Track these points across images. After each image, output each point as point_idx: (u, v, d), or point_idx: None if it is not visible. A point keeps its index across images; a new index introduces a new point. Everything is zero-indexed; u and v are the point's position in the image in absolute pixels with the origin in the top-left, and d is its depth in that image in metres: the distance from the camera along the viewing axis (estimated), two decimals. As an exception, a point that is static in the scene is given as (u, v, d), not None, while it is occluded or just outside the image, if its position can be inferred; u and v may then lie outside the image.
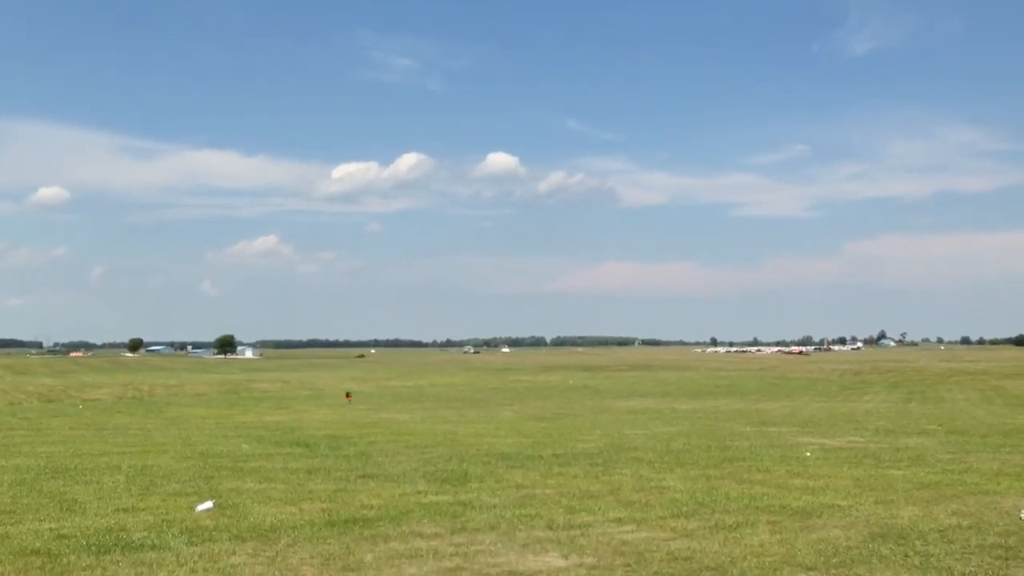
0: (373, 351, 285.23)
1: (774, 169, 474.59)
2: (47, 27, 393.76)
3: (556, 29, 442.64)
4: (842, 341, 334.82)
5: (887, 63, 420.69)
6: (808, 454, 19.27)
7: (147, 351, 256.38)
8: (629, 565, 8.96)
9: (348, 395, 32.38)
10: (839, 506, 12.41)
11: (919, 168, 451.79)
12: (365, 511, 11.95)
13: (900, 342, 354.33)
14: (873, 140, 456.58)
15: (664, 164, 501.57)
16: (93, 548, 9.70)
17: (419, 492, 13.68)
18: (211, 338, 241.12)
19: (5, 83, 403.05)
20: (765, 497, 13.17)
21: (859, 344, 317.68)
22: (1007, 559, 9.21)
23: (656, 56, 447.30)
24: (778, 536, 10.34)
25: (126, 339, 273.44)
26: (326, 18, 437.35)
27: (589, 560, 9.19)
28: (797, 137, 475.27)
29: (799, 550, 9.63)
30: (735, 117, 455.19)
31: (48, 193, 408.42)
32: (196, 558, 9.23)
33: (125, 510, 12.13)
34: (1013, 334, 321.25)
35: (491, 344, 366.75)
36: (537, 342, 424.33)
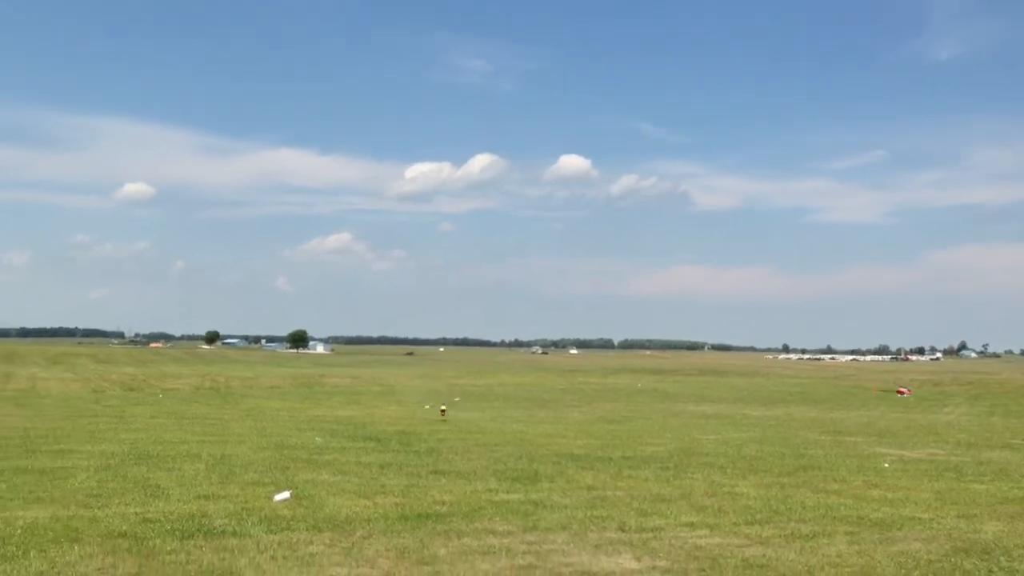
0: (442, 349, 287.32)
1: (850, 174, 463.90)
2: (131, 28, 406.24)
3: (629, 32, 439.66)
4: (920, 351, 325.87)
5: (970, 69, 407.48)
6: (886, 465, 18.85)
7: (223, 343, 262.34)
8: (703, 570, 8.89)
9: (443, 411, 32.61)
10: (920, 519, 12.12)
11: (1002, 176, 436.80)
12: (437, 507, 12.07)
13: (982, 353, 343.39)
14: (954, 147, 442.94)
15: (737, 168, 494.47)
16: (177, 533, 10.00)
17: (490, 490, 13.76)
18: (284, 333, 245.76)
19: (94, 82, 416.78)
20: (842, 507, 12.93)
21: (938, 355, 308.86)
22: (1099, 580, 8.90)
23: (731, 60, 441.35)
24: (856, 547, 10.15)
25: (203, 331, 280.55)
26: (402, 20, 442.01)
27: (662, 563, 9.14)
28: (875, 143, 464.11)
29: (879, 562, 9.44)
30: (810, 121, 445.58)
31: (133, 189, 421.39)
32: (275, 546, 9.44)
33: (206, 497, 12.46)
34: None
35: (559, 345, 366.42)
36: (605, 344, 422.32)
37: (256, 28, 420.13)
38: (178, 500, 12.18)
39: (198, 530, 10.17)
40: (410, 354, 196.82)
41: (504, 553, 9.41)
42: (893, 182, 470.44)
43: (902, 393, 69.13)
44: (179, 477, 14.36)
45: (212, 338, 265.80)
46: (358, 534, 10.15)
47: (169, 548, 9.30)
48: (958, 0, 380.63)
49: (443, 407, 33.29)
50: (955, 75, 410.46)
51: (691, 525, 11.25)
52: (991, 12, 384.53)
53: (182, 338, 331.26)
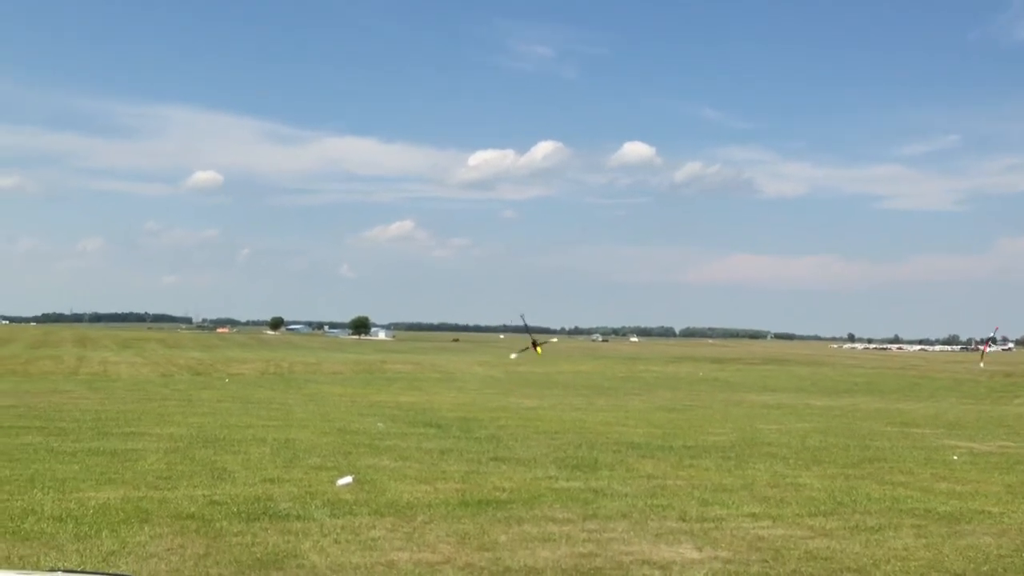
0: (502, 336, 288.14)
1: (921, 160, 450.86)
2: (199, 17, 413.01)
3: (693, 17, 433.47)
4: (992, 341, 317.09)
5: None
6: (955, 458, 18.40)
7: (287, 329, 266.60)
8: (766, 561, 8.80)
9: (536, 346, 31.66)
10: (989, 512, 11.83)
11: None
12: (498, 493, 12.13)
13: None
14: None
15: (804, 154, 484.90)
16: (243, 515, 10.22)
17: (550, 477, 13.79)
18: (347, 319, 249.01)
19: (164, 71, 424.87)
20: (909, 500, 12.68)
21: (1010, 345, 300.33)
22: None
23: (797, 43, 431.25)
24: (924, 540, 9.95)
25: (267, 317, 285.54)
26: (465, 6, 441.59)
27: (724, 554, 9.07)
28: (948, 127, 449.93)
29: (946, 556, 9.24)
30: (879, 106, 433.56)
31: (203, 177, 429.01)
32: (339, 530, 9.59)
33: (271, 480, 12.71)
34: None
35: (619, 333, 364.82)
36: (666, 332, 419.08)
37: (319, 16, 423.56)
38: (244, 483, 12.44)
39: (263, 513, 10.38)
40: (456, 340, 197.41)
41: (564, 540, 9.43)
42: (966, 168, 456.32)
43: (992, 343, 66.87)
44: (245, 460, 14.66)
45: (276, 324, 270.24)
46: (419, 519, 10.26)
47: (235, 530, 9.51)
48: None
49: (535, 347, 32.09)
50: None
51: (753, 516, 11.13)
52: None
53: (247, 323, 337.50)
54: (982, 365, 67.86)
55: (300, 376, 55.20)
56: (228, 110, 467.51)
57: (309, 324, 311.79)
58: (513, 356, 32.13)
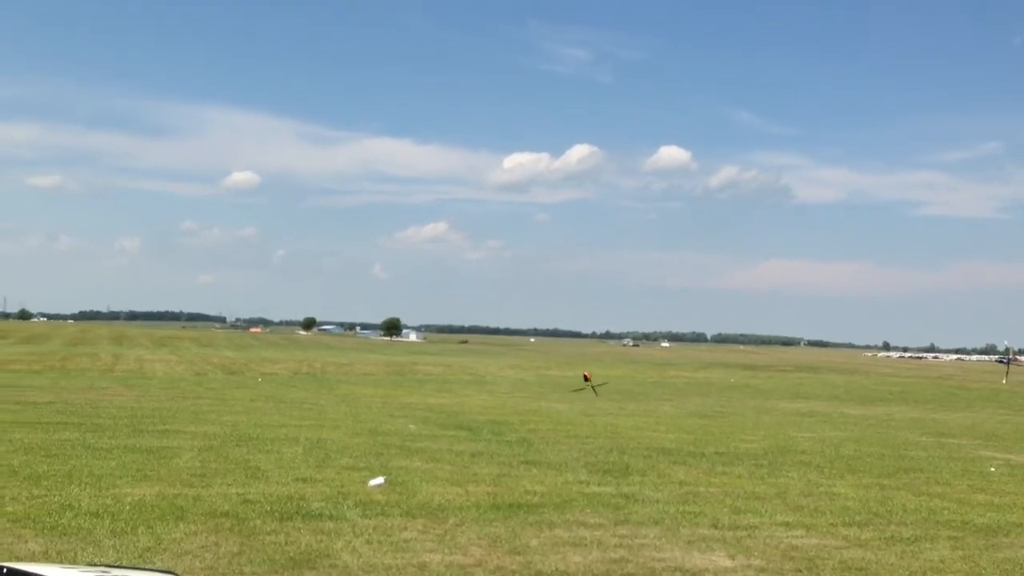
0: (532, 340, 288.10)
1: (961, 167, 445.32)
2: (236, 18, 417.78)
3: (729, 21, 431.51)
4: (1007, 359, 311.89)
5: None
6: (992, 469, 18.13)
7: (319, 330, 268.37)
8: (799, 571, 8.73)
9: (587, 378, 31.84)
10: (1029, 526, 11.63)
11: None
12: (529, 497, 12.13)
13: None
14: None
15: (841, 160, 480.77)
16: (276, 514, 10.29)
17: (581, 482, 13.76)
18: (379, 320, 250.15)
19: (202, 72, 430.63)
20: (945, 511, 12.51)
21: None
22: None
23: (834, 48, 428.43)
24: (960, 552, 9.82)
25: (301, 317, 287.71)
26: (500, 9, 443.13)
27: (757, 562, 9.00)
28: (989, 134, 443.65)
29: (984, 569, 9.11)
30: (920, 111, 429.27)
31: (241, 177, 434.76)
32: (371, 530, 9.64)
33: (304, 480, 12.79)
34: None
35: (650, 338, 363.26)
36: (698, 338, 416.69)
37: (354, 18, 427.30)
38: (277, 482, 12.54)
39: (296, 512, 10.45)
40: (464, 342, 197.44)
41: (595, 545, 9.40)
42: (1008, 175, 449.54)
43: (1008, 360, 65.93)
44: (278, 460, 14.77)
45: (309, 324, 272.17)
46: (451, 521, 10.28)
47: (269, 529, 9.58)
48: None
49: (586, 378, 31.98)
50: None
51: (787, 524, 11.04)
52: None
53: (280, 323, 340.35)
54: (1004, 382, 66.73)
55: (332, 377, 55.51)
56: (266, 111, 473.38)
57: (341, 325, 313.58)
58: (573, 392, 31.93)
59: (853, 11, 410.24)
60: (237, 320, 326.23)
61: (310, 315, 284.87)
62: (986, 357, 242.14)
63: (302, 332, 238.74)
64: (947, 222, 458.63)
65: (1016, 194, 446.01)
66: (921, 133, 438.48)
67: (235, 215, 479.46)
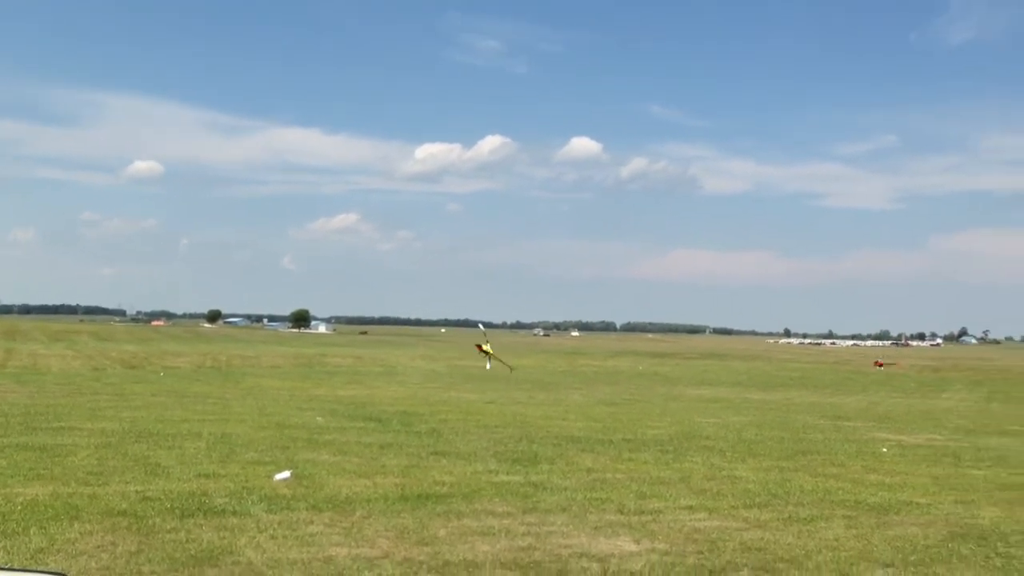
0: (443, 330, 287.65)
1: (861, 159, 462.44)
2: (141, 4, 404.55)
3: (641, 14, 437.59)
4: (921, 337, 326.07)
5: (986, 54, 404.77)
6: (885, 450, 18.88)
7: (224, 322, 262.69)
8: (701, 552, 8.92)
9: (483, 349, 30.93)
10: (917, 504, 12.16)
11: (1012, 162, 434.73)
12: (437, 487, 12.11)
13: (982, 340, 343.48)
14: (967, 132, 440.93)
15: (747, 152, 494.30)
16: (177, 511, 10.04)
17: (490, 471, 13.80)
18: (287, 312, 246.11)
19: (103, 59, 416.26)
20: (840, 491, 12.97)
21: (939, 340, 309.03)
22: (1096, 566, 8.92)
23: (742, 42, 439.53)
24: (854, 531, 10.19)
25: (206, 310, 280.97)
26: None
27: (661, 546, 9.17)
28: (886, 127, 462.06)
29: (876, 546, 9.48)
30: (822, 105, 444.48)
31: (143, 166, 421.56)
32: (276, 525, 9.48)
33: (207, 476, 12.50)
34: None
35: (561, 327, 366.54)
36: (607, 327, 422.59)
37: (264, 6, 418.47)
38: (178, 478, 12.22)
39: (198, 509, 10.21)
40: (363, 333, 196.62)
41: (503, 534, 9.44)
42: (903, 167, 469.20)
43: (880, 366, 68.93)
44: (179, 455, 14.40)
45: (214, 316, 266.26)
46: (358, 514, 10.19)
47: (169, 526, 9.34)
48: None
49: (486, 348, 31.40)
50: (968, 60, 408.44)
51: (690, 508, 11.29)
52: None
53: (183, 316, 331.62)
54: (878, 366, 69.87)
55: (238, 370, 54.40)
56: (170, 98, 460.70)
57: (248, 317, 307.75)
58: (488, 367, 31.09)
59: (759, 8, 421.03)
60: (138, 313, 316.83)
61: (216, 307, 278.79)
62: (880, 342, 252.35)
63: (207, 325, 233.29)
64: (846, 213, 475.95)
65: (909, 185, 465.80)
66: (823, 126, 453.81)
67: (137, 205, 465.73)
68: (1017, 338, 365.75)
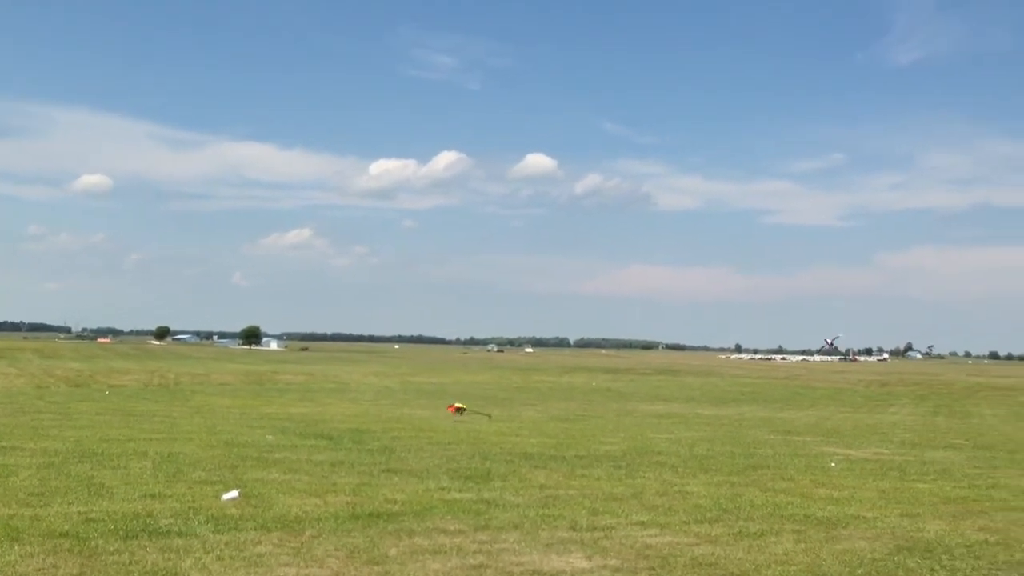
0: (396, 347, 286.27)
1: (810, 177, 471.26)
2: (90, 16, 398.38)
3: (596, 31, 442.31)
4: (868, 352, 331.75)
5: (931, 73, 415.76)
6: (833, 464, 19.13)
7: (173, 339, 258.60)
8: (653, 569, 8.95)
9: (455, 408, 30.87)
10: (864, 517, 12.32)
11: (958, 180, 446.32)
12: (389, 505, 12.00)
13: (927, 355, 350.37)
14: (912, 151, 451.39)
15: (699, 168, 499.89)
16: (121, 532, 9.81)
17: (443, 488, 13.72)
18: (238, 329, 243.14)
19: (52, 71, 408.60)
20: (790, 506, 13.10)
21: (885, 355, 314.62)
22: (1036, 577, 9.11)
23: (695, 60, 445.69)
24: (803, 545, 10.29)
25: (155, 326, 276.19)
26: (368, 14, 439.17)
27: (613, 562, 9.18)
28: (835, 145, 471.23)
29: (824, 560, 9.58)
30: (773, 123, 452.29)
31: (91, 180, 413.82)
32: (223, 546, 9.31)
33: (152, 496, 12.25)
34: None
35: (515, 343, 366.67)
36: (561, 343, 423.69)
37: (217, 20, 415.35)
38: (123, 499, 11.96)
39: (143, 530, 9.99)
40: (304, 349, 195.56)
41: (455, 552, 9.38)
42: (850, 185, 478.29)
43: (829, 344, 68.93)
44: (124, 476, 14.09)
45: (162, 333, 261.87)
46: (307, 533, 10.05)
47: (112, 548, 9.13)
48: (920, 5, 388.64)
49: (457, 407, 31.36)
50: (915, 79, 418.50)
51: (642, 524, 11.31)
52: (951, 17, 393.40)
53: (131, 333, 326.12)
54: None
55: (186, 387, 53.57)
56: (120, 112, 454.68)
57: (197, 334, 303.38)
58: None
59: (711, 29, 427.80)
60: (84, 330, 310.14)
61: (164, 324, 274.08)
62: (828, 357, 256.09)
63: (155, 342, 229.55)
64: (796, 230, 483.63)
65: (857, 203, 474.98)
66: (772, 144, 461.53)
67: (85, 220, 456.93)
68: (961, 353, 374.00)
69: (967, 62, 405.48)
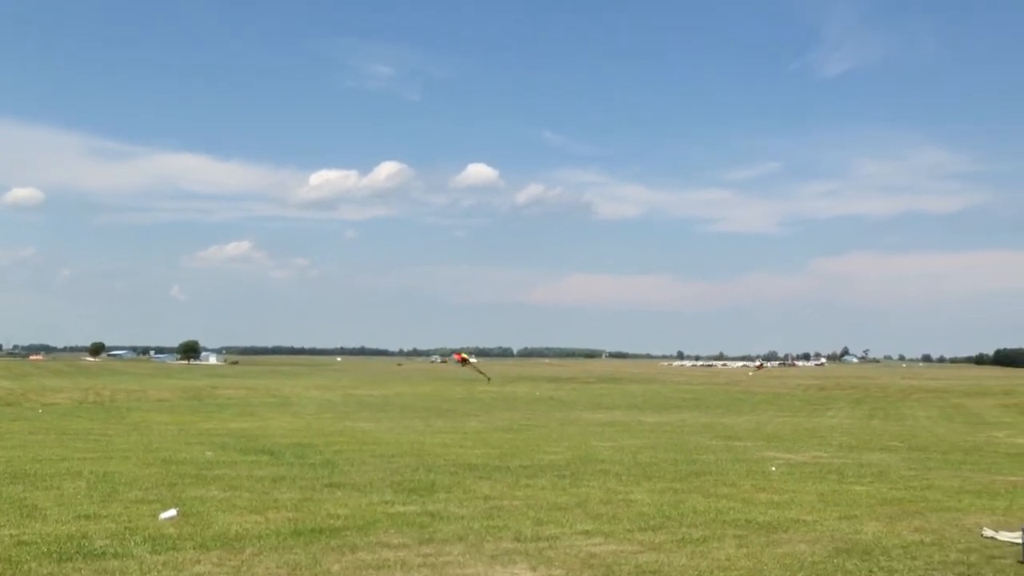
0: (339, 359, 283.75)
1: (746, 185, 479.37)
2: (19, 26, 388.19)
3: (536, 41, 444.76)
4: (806, 357, 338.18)
5: (860, 84, 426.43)
6: (773, 469, 19.41)
7: (108, 355, 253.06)
8: (597, 578, 8.96)
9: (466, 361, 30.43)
10: (804, 521, 12.51)
11: (887, 188, 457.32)
12: (332, 520, 11.86)
13: (863, 359, 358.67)
14: (843, 159, 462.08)
15: (639, 178, 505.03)
16: (54, 555, 9.54)
17: (386, 502, 13.60)
18: (176, 344, 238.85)
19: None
20: (731, 511, 13.25)
21: (823, 360, 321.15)
22: None
23: (634, 70, 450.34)
24: (744, 550, 10.40)
25: (89, 343, 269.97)
26: (304, 23, 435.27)
27: (557, 572, 9.18)
28: (769, 154, 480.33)
29: (765, 564, 9.69)
30: (710, 132, 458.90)
31: (21, 194, 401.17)
32: (160, 566, 9.11)
33: (87, 517, 11.94)
34: (973, 353, 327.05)
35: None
36: (504, 353, 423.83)
37: (150, 29, 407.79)
38: (56, 521, 11.64)
39: (77, 552, 9.72)
40: (235, 363, 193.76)
41: (399, 567, 9.30)
42: (786, 193, 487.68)
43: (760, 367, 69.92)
44: (58, 496, 13.72)
45: (97, 349, 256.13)
46: (248, 551, 9.88)
47: (46, 571, 8.87)
48: (850, 16, 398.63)
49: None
50: (843, 90, 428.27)
51: (586, 533, 11.34)
52: (878, 29, 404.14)
53: (64, 350, 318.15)
54: (750, 373, 71.51)
55: (122, 404, 52.37)
56: (51, 124, 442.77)
57: (134, 349, 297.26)
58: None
59: (649, 40, 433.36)
60: (15, 347, 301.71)
61: (99, 340, 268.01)
62: (768, 363, 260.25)
63: (89, 358, 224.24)
64: (734, 237, 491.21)
65: (792, 210, 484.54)
66: (710, 153, 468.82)
67: (15, 234, 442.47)
68: (895, 357, 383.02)
69: (895, 73, 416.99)
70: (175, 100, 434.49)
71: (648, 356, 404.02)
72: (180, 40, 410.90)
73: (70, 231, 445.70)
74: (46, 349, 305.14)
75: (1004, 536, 11.26)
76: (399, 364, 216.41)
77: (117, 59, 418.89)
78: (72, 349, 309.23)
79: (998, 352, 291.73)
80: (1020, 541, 10.20)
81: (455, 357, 32.59)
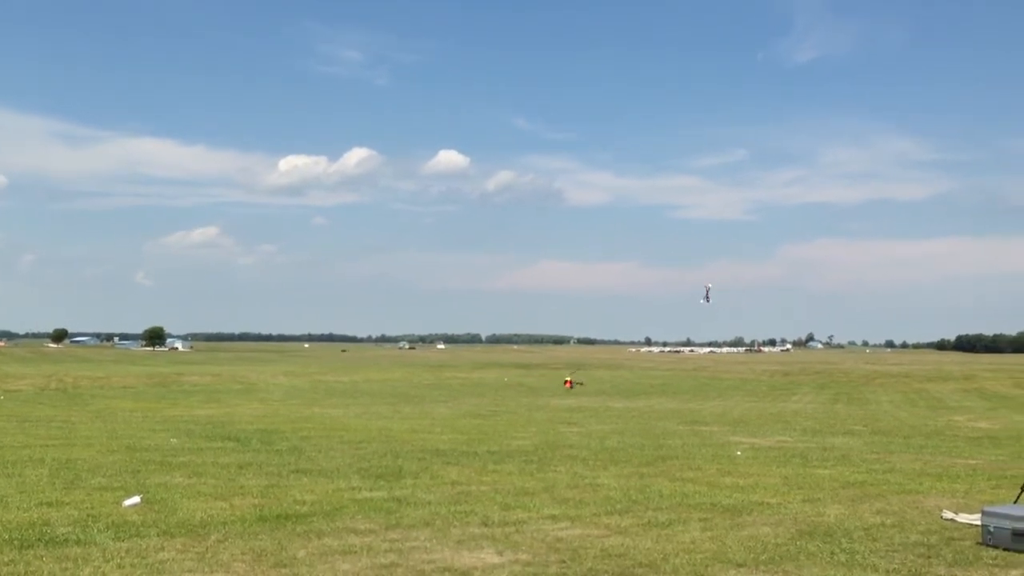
0: (307, 345, 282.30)
1: (714, 172, 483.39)
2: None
3: (506, 27, 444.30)
4: (772, 343, 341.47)
5: (828, 72, 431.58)
6: (739, 453, 19.60)
7: (71, 342, 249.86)
8: (564, 561, 9.01)
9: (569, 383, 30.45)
10: (768, 504, 12.65)
11: (854, 175, 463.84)
12: (298, 507, 11.81)
13: (827, 344, 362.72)
14: (811, 146, 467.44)
15: (608, 164, 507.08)
16: (16, 543, 9.42)
17: (353, 488, 13.57)
18: (142, 329, 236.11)
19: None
20: (697, 495, 13.37)
21: (788, 346, 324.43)
22: (929, 557, 9.49)
23: (604, 57, 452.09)
24: (709, 533, 10.50)
25: (51, 329, 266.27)
26: (273, 8, 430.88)
27: (524, 557, 9.21)
28: (737, 141, 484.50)
29: (729, 547, 9.79)
30: (679, 119, 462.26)
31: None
32: (123, 554, 9.02)
33: (49, 504, 11.79)
34: (935, 339, 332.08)
35: (426, 340, 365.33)
36: (473, 339, 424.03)
37: (116, 13, 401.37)
38: (17, 508, 11.48)
39: (39, 539, 9.60)
40: (175, 349, 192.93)
41: (365, 552, 9.28)
42: (753, 180, 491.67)
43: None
44: (19, 483, 13.54)
45: (60, 336, 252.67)
46: (213, 538, 9.81)
47: (7, 559, 8.75)
48: (818, 4, 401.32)
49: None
50: (813, 77, 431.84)
51: (553, 517, 11.38)
52: (846, 18, 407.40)
53: (26, 336, 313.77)
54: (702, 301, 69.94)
55: (86, 391, 51.78)
56: (13, 107, 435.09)
57: (98, 336, 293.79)
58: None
59: (619, 27, 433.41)
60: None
61: (62, 326, 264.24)
62: (735, 349, 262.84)
63: (52, 345, 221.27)
64: (702, 224, 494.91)
65: (760, 197, 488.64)
66: (679, 140, 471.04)
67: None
68: (859, 342, 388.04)
69: (862, 61, 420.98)
70: (141, 85, 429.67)
71: (616, 342, 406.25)
72: (146, 25, 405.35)
73: (33, 216, 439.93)
74: (7, 335, 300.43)
75: (963, 518, 11.46)
76: (343, 351, 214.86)
77: (79, 43, 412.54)
78: (34, 335, 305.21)
79: (959, 338, 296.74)
80: (979, 523, 10.37)
81: (566, 385, 32.96)
